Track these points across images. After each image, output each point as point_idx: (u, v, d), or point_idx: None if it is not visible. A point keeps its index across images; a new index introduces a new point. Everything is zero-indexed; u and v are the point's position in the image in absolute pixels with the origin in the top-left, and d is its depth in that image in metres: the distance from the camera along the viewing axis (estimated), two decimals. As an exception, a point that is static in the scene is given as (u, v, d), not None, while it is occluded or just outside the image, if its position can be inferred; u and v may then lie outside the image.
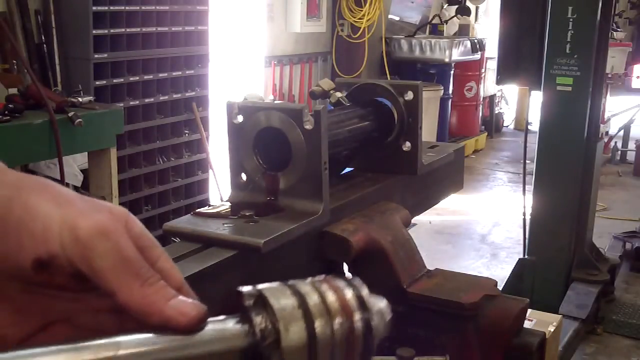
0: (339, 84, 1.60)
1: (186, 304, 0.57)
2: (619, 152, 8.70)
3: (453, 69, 8.53)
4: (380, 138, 1.57)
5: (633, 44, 12.25)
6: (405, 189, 1.59)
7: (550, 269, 4.06)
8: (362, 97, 1.57)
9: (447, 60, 8.12)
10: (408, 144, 1.54)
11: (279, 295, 0.60)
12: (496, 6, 4.28)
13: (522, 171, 4.43)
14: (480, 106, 9.50)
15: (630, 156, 8.48)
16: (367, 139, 1.57)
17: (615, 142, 8.69)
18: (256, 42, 6.81)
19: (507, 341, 1.25)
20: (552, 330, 1.53)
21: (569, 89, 3.82)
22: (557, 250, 4.06)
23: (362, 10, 7.38)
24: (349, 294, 0.63)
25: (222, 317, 0.60)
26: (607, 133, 8.32)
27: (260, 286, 0.61)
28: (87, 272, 0.55)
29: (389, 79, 7.57)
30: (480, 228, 6.23)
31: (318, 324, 0.59)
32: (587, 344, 4.01)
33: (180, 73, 4.89)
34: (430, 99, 7.65)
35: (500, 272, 4.97)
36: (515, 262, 4.21)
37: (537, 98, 4.07)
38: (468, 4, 8.92)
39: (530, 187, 4.13)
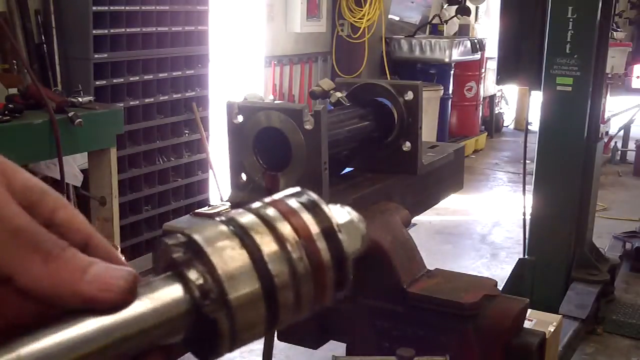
0: (339, 84, 1.60)
1: (108, 275, 0.44)
2: (619, 152, 8.69)
3: (453, 69, 8.52)
4: (380, 138, 1.57)
5: (633, 44, 12.25)
6: (405, 189, 1.59)
7: (550, 269, 4.06)
8: (362, 97, 1.57)
9: (447, 60, 8.12)
10: (408, 144, 1.54)
11: (213, 236, 0.48)
12: (496, 6, 4.28)
13: (522, 171, 4.43)
14: (480, 106, 9.49)
15: (630, 156, 8.48)
16: (367, 139, 1.57)
17: (615, 142, 8.69)
18: (256, 42, 6.81)
19: (507, 341, 1.25)
20: (552, 330, 1.53)
21: (569, 89, 3.82)
22: (557, 250, 4.06)
23: (362, 10, 7.38)
24: (304, 213, 0.51)
25: (150, 278, 0.48)
26: (607, 133, 8.31)
27: (188, 229, 0.49)
28: None
29: (389, 79, 7.57)
30: (480, 228, 6.23)
31: (271, 263, 0.48)
32: (587, 344, 4.01)
33: (180, 73, 4.89)
34: (430, 99, 7.65)
35: (500, 272, 4.97)
36: (515, 262, 4.21)
37: (537, 98, 4.07)
38: (468, 4, 8.92)
39: (530, 187, 4.13)
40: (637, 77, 11.53)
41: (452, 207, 6.23)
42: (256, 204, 0.52)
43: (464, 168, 1.95)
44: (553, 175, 3.99)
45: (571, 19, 3.74)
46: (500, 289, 1.47)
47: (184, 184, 5.05)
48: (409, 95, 1.52)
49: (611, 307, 4.28)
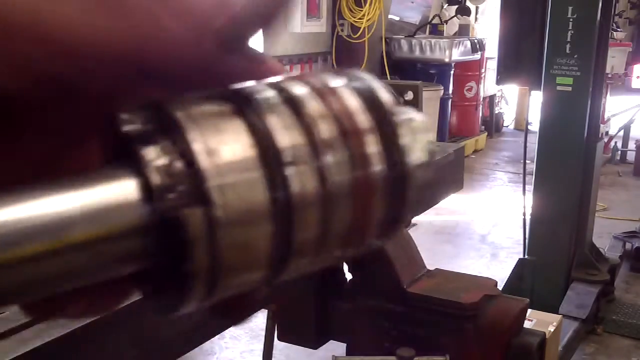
0: (339, 84, 1.60)
1: None
2: (619, 152, 8.69)
3: (453, 69, 8.52)
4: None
5: (633, 44, 12.24)
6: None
7: (550, 269, 4.06)
8: (362, 97, 1.58)
9: (447, 60, 8.12)
10: (408, 144, 1.55)
11: (195, 105, 0.30)
12: (496, 6, 4.28)
13: (522, 171, 4.43)
14: (480, 106, 9.49)
15: (630, 156, 8.47)
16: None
17: (615, 142, 8.69)
18: (256, 42, 6.79)
19: (507, 341, 1.25)
20: (552, 330, 1.53)
21: (569, 89, 3.82)
22: (557, 250, 4.06)
23: (362, 10, 7.38)
24: (350, 97, 0.33)
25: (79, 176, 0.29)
26: (607, 133, 8.32)
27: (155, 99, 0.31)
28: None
29: (389, 79, 7.57)
30: (480, 228, 6.22)
31: (288, 158, 0.30)
32: (587, 344, 4.01)
33: (180, 73, 4.89)
34: (430, 99, 7.65)
35: (500, 272, 4.97)
36: (515, 262, 4.21)
37: (537, 98, 4.07)
38: (468, 4, 8.92)
39: (530, 187, 4.13)
40: (637, 77, 11.53)
41: (452, 207, 6.24)
42: (276, 79, 0.34)
43: (463, 168, 1.95)
44: (553, 175, 4.00)
45: (571, 19, 3.75)
46: (500, 289, 1.47)
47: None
48: (409, 95, 1.52)
49: (611, 307, 4.28)
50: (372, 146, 0.32)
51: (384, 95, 0.34)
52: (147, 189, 0.29)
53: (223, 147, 0.29)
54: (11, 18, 0.26)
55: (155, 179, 0.28)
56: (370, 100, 0.33)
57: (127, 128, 0.30)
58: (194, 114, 0.30)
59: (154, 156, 0.29)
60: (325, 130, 0.31)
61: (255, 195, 0.29)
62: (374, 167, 0.32)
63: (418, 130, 0.35)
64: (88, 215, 0.28)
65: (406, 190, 0.34)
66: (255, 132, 0.30)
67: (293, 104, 0.32)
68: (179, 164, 0.28)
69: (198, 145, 0.29)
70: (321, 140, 0.31)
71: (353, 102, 0.33)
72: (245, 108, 0.31)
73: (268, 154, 0.30)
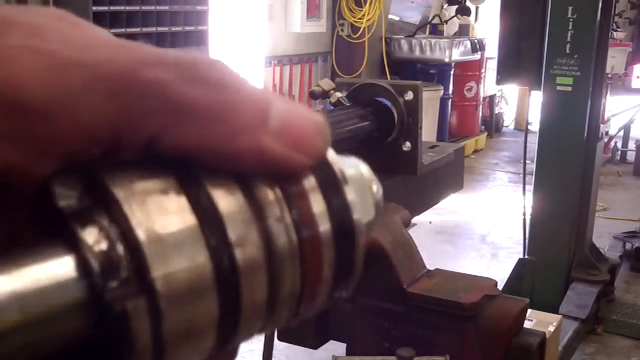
0: (339, 84, 1.60)
1: (297, 123, 0.31)
2: (619, 152, 8.69)
3: (453, 69, 8.52)
4: (380, 138, 1.57)
5: (633, 44, 12.25)
6: (405, 189, 1.59)
7: (550, 269, 4.06)
8: (362, 97, 1.57)
9: (447, 60, 8.12)
10: (408, 144, 1.54)
11: (132, 177, 0.28)
12: (496, 6, 4.28)
13: (522, 171, 4.43)
14: (480, 106, 9.49)
15: (630, 156, 8.47)
16: (367, 139, 1.57)
17: (615, 142, 8.69)
18: (256, 42, 6.80)
19: (507, 341, 1.25)
20: (552, 330, 1.53)
21: (569, 89, 3.82)
22: (557, 250, 4.06)
23: (362, 10, 7.38)
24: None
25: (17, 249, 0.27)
26: (607, 133, 8.31)
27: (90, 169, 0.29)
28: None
29: (389, 79, 7.57)
30: (480, 228, 6.22)
31: (232, 225, 0.29)
32: (587, 344, 4.01)
33: (180, 73, 4.89)
34: (430, 99, 7.65)
35: (500, 272, 4.97)
36: (515, 262, 4.21)
37: (537, 98, 4.07)
38: (468, 4, 8.92)
39: (530, 187, 4.13)
40: (637, 77, 11.53)
41: (452, 207, 6.23)
42: None
43: (463, 168, 1.95)
44: (553, 175, 4.00)
45: (571, 19, 3.75)
46: (500, 289, 1.47)
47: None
48: (409, 95, 1.52)
49: (611, 307, 4.28)
50: (318, 203, 0.31)
51: (330, 153, 0.33)
52: (85, 272, 0.27)
53: (166, 228, 0.27)
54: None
55: (95, 265, 0.27)
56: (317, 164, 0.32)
57: (62, 203, 0.27)
58: (136, 191, 0.28)
59: (94, 240, 0.27)
60: (269, 192, 0.30)
61: (200, 274, 0.28)
62: (319, 224, 0.31)
63: (365, 185, 0.34)
64: (23, 297, 0.26)
65: (354, 247, 0.32)
66: (197, 206, 0.28)
67: (243, 187, 0.30)
68: (120, 249, 0.27)
69: (140, 230, 0.27)
70: (264, 199, 0.30)
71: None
72: (181, 176, 0.29)
73: (212, 227, 0.28)
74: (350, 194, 0.32)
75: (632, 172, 8.14)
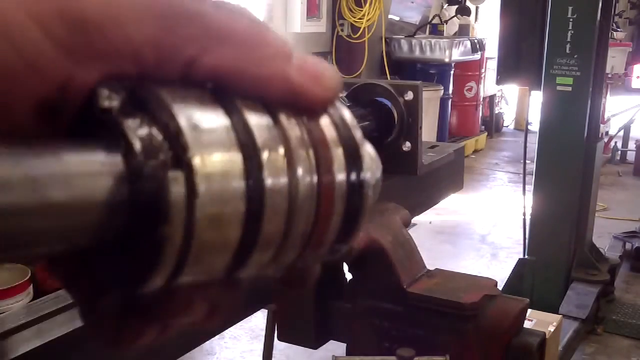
0: (339, 84, 1.60)
1: (318, 66, 0.36)
2: (619, 152, 8.69)
3: (453, 69, 8.53)
4: (380, 138, 1.57)
5: (633, 44, 12.25)
6: (405, 189, 1.59)
7: (550, 269, 4.06)
8: (362, 97, 1.57)
9: (447, 60, 8.12)
10: (408, 144, 1.54)
11: (178, 91, 0.31)
12: (496, 6, 4.28)
13: (522, 171, 4.43)
14: (480, 106, 9.50)
15: (630, 156, 8.48)
16: (367, 139, 1.57)
17: (615, 142, 8.69)
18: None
19: (507, 341, 1.25)
20: (552, 330, 1.53)
21: (569, 89, 3.82)
22: (557, 250, 4.06)
23: (362, 10, 7.38)
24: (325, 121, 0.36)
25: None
26: (607, 133, 8.32)
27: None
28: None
29: (389, 79, 7.57)
30: (480, 228, 6.23)
31: (266, 161, 0.32)
32: (587, 344, 4.01)
33: (180, 73, 4.89)
34: (430, 99, 7.65)
35: (500, 272, 4.97)
36: (515, 262, 4.21)
37: (537, 98, 4.07)
38: (468, 4, 8.92)
39: (530, 187, 4.13)
40: (637, 77, 11.53)
41: (452, 207, 6.24)
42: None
43: (463, 168, 1.95)
44: (553, 175, 4.00)
45: (571, 19, 3.75)
46: (500, 289, 1.47)
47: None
48: (409, 95, 1.52)
49: (611, 307, 4.29)
50: (338, 155, 0.35)
51: (349, 118, 0.37)
52: (129, 156, 0.29)
53: (205, 124, 0.30)
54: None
55: (138, 145, 0.29)
56: (339, 120, 0.36)
57: (107, 103, 0.30)
58: (176, 93, 0.31)
59: (136, 125, 0.29)
60: (298, 133, 0.34)
61: (233, 175, 0.30)
62: (337, 174, 0.34)
63: (373, 157, 0.38)
64: (70, 178, 0.28)
65: (363, 200, 0.35)
66: (231, 114, 0.32)
67: (271, 112, 0.34)
68: (161, 134, 0.29)
69: (182, 118, 0.30)
70: (294, 141, 0.33)
71: (324, 120, 0.36)
72: (221, 97, 0.32)
73: (245, 139, 0.31)
74: (365, 157, 0.36)
75: (632, 172, 8.14)
